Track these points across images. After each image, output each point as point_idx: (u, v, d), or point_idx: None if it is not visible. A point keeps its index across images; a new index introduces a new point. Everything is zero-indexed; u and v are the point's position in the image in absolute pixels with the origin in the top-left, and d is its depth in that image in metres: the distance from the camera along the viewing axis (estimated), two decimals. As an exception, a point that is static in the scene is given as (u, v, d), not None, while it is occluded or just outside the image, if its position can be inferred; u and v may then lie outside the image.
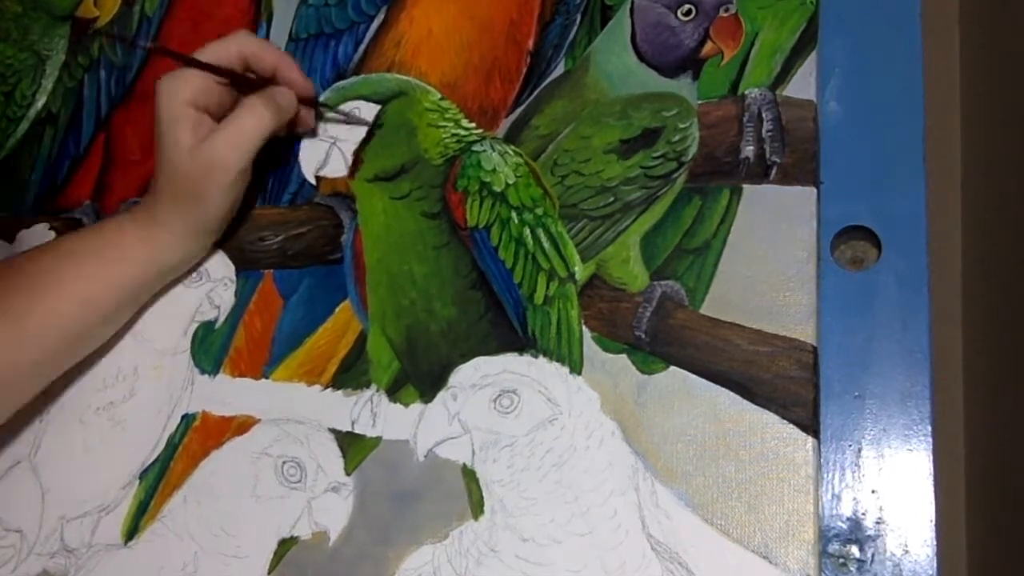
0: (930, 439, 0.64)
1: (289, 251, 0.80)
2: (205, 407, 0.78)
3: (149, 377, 0.79)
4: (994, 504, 0.66)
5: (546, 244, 0.73)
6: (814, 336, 0.67)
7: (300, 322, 0.79)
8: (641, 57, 0.75)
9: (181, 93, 0.73)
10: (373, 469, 0.73)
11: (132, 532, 0.77)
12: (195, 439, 0.78)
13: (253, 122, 0.73)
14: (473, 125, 0.78)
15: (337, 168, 0.80)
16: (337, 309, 0.78)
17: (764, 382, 0.67)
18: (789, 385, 0.67)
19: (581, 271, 0.73)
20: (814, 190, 0.69)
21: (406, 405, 0.74)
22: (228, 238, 0.81)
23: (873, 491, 0.64)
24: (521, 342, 0.73)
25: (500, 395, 0.71)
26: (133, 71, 0.89)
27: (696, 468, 0.67)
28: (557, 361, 0.71)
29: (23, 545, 0.78)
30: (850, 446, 0.64)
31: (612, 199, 0.73)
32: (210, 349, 0.80)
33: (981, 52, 0.72)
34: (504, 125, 0.78)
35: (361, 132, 0.80)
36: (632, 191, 0.73)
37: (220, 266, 0.81)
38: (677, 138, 0.73)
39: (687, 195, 0.72)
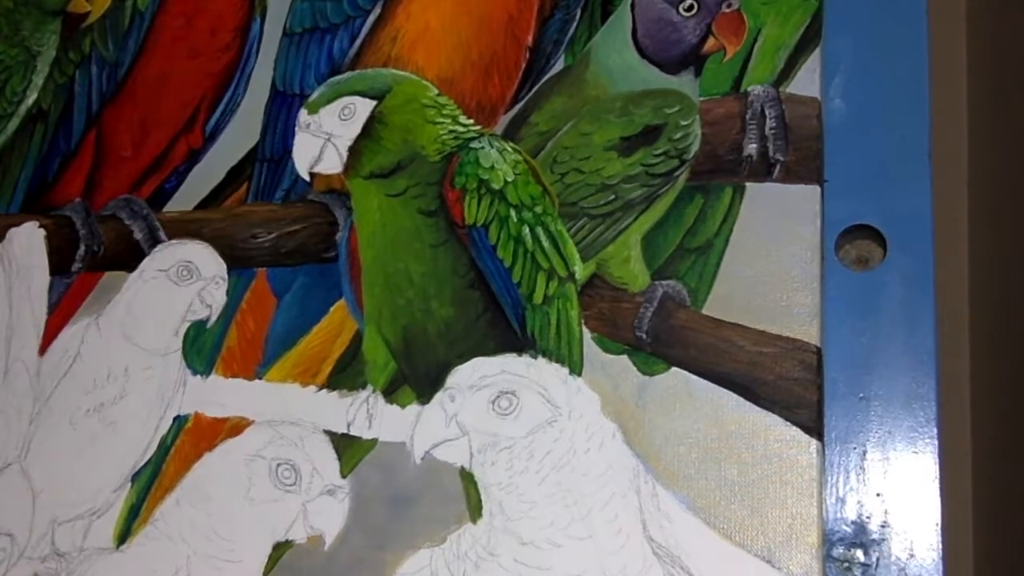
0: (936, 441, 0.63)
1: (283, 249, 0.80)
2: (198, 408, 0.78)
3: (140, 378, 0.79)
4: (1001, 507, 0.66)
5: (545, 243, 0.73)
6: (818, 337, 0.66)
7: (294, 322, 0.78)
8: (642, 53, 0.75)
9: None
10: (369, 472, 0.72)
11: (124, 535, 0.76)
12: (188, 441, 0.77)
13: None
14: (471, 121, 0.77)
15: (332, 164, 0.79)
16: (332, 308, 0.77)
17: (767, 384, 0.67)
18: (793, 387, 0.66)
19: (581, 270, 0.72)
20: (818, 188, 0.69)
21: (403, 406, 0.73)
22: (219, 235, 0.80)
23: (878, 494, 0.63)
24: (520, 342, 0.72)
25: (499, 396, 0.70)
26: (125, 67, 0.89)
27: (698, 471, 0.67)
28: (557, 362, 0.71)
29: (13, 549, 0.77)
30: (854, 448, 0.64)
31: (613, 197, 0.73)
32: (202, 349, 0.79)
33: (988, 48, 0.72)
34: (502, 122, 0.78)
35: (357, 127, 0.79)
36: (633, 189, 0.72)
37: (211, 264, 0.80)
38: (679, 135, 0.72)
39: (689, 193, 0.72)
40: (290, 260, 0.80)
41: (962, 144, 0.73)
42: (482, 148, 0.75)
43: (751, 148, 0.71)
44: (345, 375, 0.75)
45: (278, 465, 0.73)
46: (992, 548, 0.66)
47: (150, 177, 0.85)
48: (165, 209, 0.83)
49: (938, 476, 0.63)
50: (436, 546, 0.70)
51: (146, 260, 0.81)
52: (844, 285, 0.67)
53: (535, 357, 0.71)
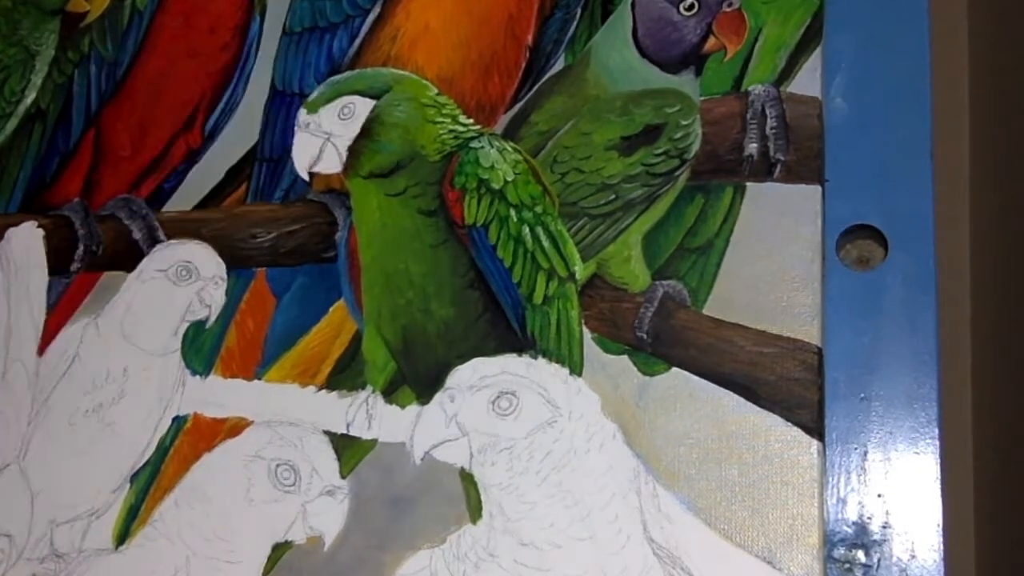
0: (937, 442, 0.63)
1: (282, 249, 0.80)
2: (196, 409, 0.77)
3: (139, 379, 0.78)
4: (1002, 508, 0.66)
5: (545, 243, 0.72)
6: (819, 337, 0.66)
7: (293, 322, 0.78)
8: (643, 52, 0.75)
9: None
10: (369, 472, 0.72)
11: (123, 536, 0.76)
12: (186, 441, 0.77)
13: None
14: (471, 121, 0.77)
15: (331, 164, 0.79)
16: (331, 309, 0.77)
17: (768, 384, 0.67)
18: (793, 387, 0.66)
19: (581, 270, 0.72)
20: (819, 188, 0.69)
21: (402, 407, 0.73)
22: (219, 235, 0.80)
23: (879, 495, 0.63)
24: (520, 343, 0.72)
25: (498, 397, 0.70)
26: (123, 67, 0.88)
27: (699, 471, 0.66)
28: (557, 362, 0.70)
29: (12, 550, 0.76)
30: (856, 449, 0.64)
31: (613, 197, 0.72)
32: (201, 349, 0.79)
33: (990, 47, 0.71)
34: (502, 121, 0.77)
35: (356, 127, 0.79)
36: (633, 189, 0.72)
37: (211, 264, 0.80)
38: (679, 135, 0.72)
39: (689, 193, 0.72)
40: (289, 260, 0.79)
41: (963, 144, 0.73)
42: (482, 148, 0.75)
43: (752, 148, 0.71)
44: (344, 375, 0.75)
45: (277, 466, 0.73)
46: (994, 549, 0.66)
47: (149, 177, 0.85)
48: (164, 209, 0.83)
49: (939, 477, 0.62)
50: (436, 547, 0.69)
51: (145, 260, 0.81)
52: (845, 285, 0.66)
53: (535, 357, 0.71)
